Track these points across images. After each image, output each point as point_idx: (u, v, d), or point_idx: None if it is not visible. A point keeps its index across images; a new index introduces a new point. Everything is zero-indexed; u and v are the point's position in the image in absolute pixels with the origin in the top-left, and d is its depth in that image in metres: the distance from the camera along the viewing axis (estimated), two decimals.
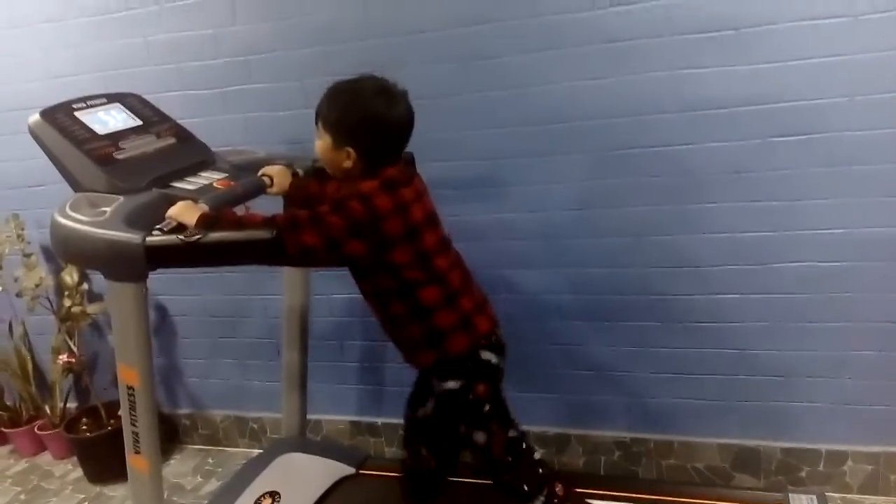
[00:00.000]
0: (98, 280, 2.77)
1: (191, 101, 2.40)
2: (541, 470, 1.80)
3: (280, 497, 2.10)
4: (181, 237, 1.49)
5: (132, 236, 1.50)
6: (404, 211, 1.60)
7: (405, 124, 1.67)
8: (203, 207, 1.63)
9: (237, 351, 2.75)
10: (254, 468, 2.24)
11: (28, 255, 2.71)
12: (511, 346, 2.33)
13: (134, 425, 1.65)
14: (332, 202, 1.59)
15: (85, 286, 2.68)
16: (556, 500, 1.77)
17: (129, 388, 1.62)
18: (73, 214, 1.57)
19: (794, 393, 2.14)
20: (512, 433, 1.78)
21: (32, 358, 2.99)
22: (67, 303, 2.63)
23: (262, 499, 2.09)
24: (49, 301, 2.75)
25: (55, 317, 2.78)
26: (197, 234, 1.49)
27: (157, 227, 1.56)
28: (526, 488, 1.77)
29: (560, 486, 1.80)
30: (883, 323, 2.01)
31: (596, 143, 2.09)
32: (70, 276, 2.60)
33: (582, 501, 1.92)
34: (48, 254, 2.84)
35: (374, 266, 1.64)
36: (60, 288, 2.73)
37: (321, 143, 1.67)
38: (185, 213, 1.59)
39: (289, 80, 2.33)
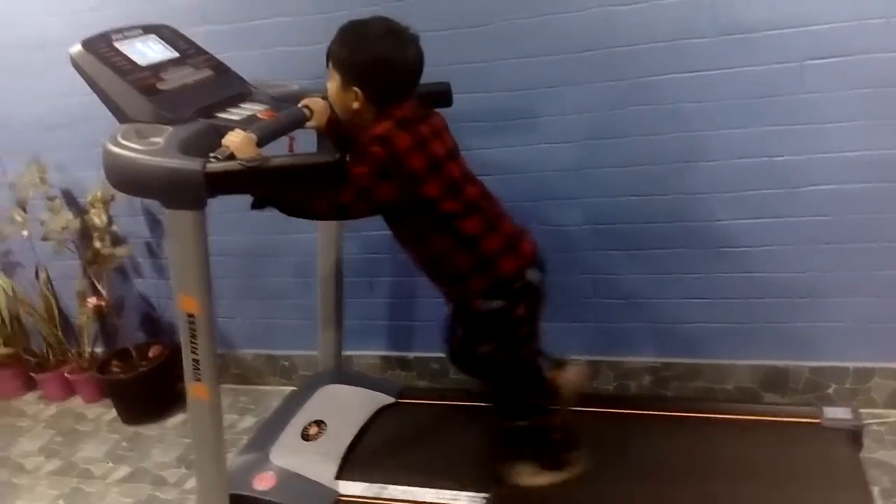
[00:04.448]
0: (124, 223, 2.76)
1: (213, 37, 2.36)
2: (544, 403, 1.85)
3: (326, 425, 2.14)
4: (242, 162, 1.49)
5: (192, 163, 1.50)
6: (424, 146, 1.63)
7: (413, 67, 1.69)
8: (253, 137, 1.63)
9: (266, 290, 2.77)
10: (296, 400, 2.28)
11: (52, 199, 2.70)
12: None
13: (194, 353, 1.66)
14: (355, 153, 1.61)
15: (115, 227, 2.67)
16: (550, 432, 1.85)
17: (190, 316, 1.64)
18: (128, 144, 1.57)
19: (820, 313, 2.20)
20: (531, 356, 1.84)
21: (57, 303, 2.99)
22: (97, 244, 2.62)
23: (309, 427, 2.13)
24: (75, 245, 2.75)
25: (81, 260, 2.79)
26: (257, 160, 1.50)
27: (213, 154, 1.56)
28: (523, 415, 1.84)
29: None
30: None
31: (628, 70, 2.09)
32: (99, 217, 2.60)
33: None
34: (69, 198, 2.83)
35: (408, 207, 1.66)
36: (85, 231, 2.72)
37: (331, 84, 1.71)
38: (238, 140, 1.59)
39: (311, 14, 2.30)
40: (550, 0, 2.08)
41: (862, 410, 2.06)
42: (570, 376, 1.92)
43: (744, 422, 2.01)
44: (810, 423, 1.95)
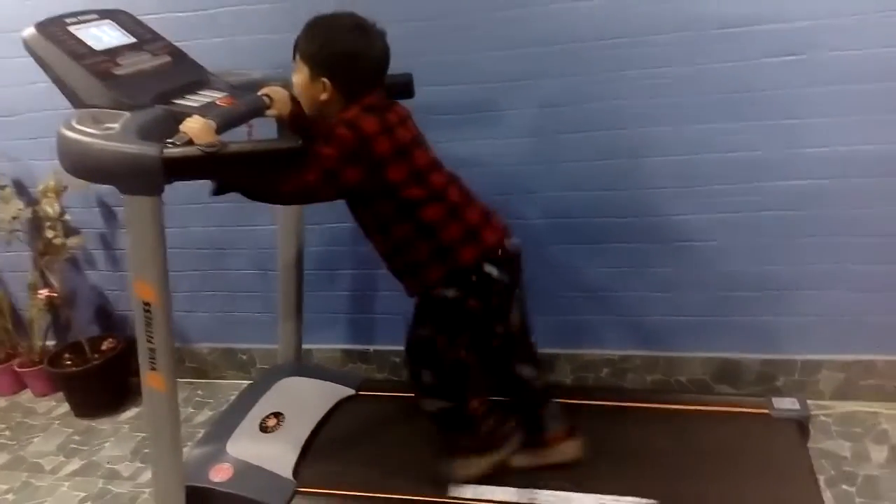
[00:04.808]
0: (77, 213, 2.70)
1: (173, 24, 2.33)
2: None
3: (284, 417, 2.13)
4: (200, 148, 1.48)
5: (149, 149, 1.48)
6: (390, 131, 1.66)
7: (380, 61, 1.73)
8: (212, 123, 1.62)
9: (224, 283, 2.74)
10: (255, 392, 2.26)
11: (2, 188, 2.63)
12: None
13: (150, 342, 1.64)
14: (321, 136, 1.62)
15: (68, 217, 2.61)
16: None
17: (146, 304, 1.61)
18: (84, 129, 1.54)
19: (772, 307, 2.26)
20: (464, 359, 1.82)
21: (6, 296, 2.91)
22: (50, 234, 2.56)
23: (267, 419, 2.12)
24: (26, 235, 2.68)
25: (32, 251, 2.72)
26: (215, 146, 1.48)
27: (170, 140, 1.54)
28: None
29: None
30: (861, 238, 2.12)
31: (594, 65, 2.11)
32: (51, 206, 2.53)
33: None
34: (20, 188, 2.76)
35: (373, 192, 1.67)
36: (36, 221, 2.66)
37: (298, 76, 1.72)
38: (197, 126, 1.57)
39: (273, 2, 2.28)
40: None
41: (810, 402, 2.13)
42: (566, 452, 1.91)
43: (695, 412, 2.06)
44: (759, 413, 2.01)
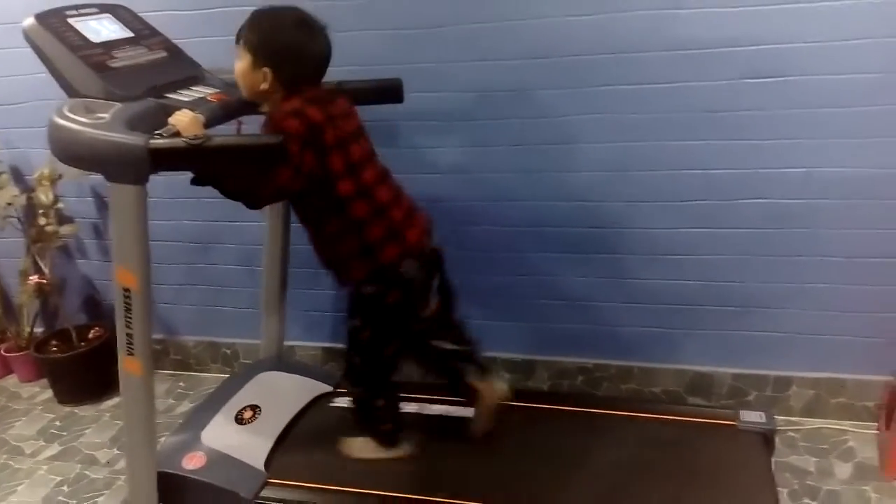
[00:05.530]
0: (71, 203, 2.75)
1: (172, 21, 2.38)
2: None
3: (261, 410, 2.16)
4: (186, 140, 1.52)
5: (136, 138, 1.53)
6: (333, 121, 1.72)
7: (323, 55, 1.78)
8: (200, 118, 1.67)
9: (210, 277, 2.78)
10: (233, 385, 2.30)
11: None
12: (486, 277, 2.47)
13: (129, 327, 1.68)
14: (268, 130, 1.66)
15: (61, 205, 2.66)
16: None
17: (126, 290, 1.66)
18: (74, 117, 1.59)
19: (747, 322, 2.30)
20: (389, 358, 1.94)
21: None
22: (42, 221, 2.60)
23: (244, 411, 2.15)
24: (20, 221, 2.72)
25: (25, 238, 2.76)
26: (200, 139, 1.53)
27: (157, 132, 1.59)
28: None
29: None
30: (836, 258, 2.16)
31: (578, 78, 2.16)
32: (45, 194, 2.58)
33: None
34: (17, 175, 2.80)
35: (312, 183, 1.70)
36: (31, 209, 2.70)
37: (240, 64, 1.76)
38: (185, 120, 1.62)
39: (274, 2, 2.32)
40: (509, 7, 2.14)
41: (779, 417, 2.17)
42: (490, 393, 2.03)
43: (663, 421, 2.09)
44: (726, 424, 2.04)
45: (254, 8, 2.28)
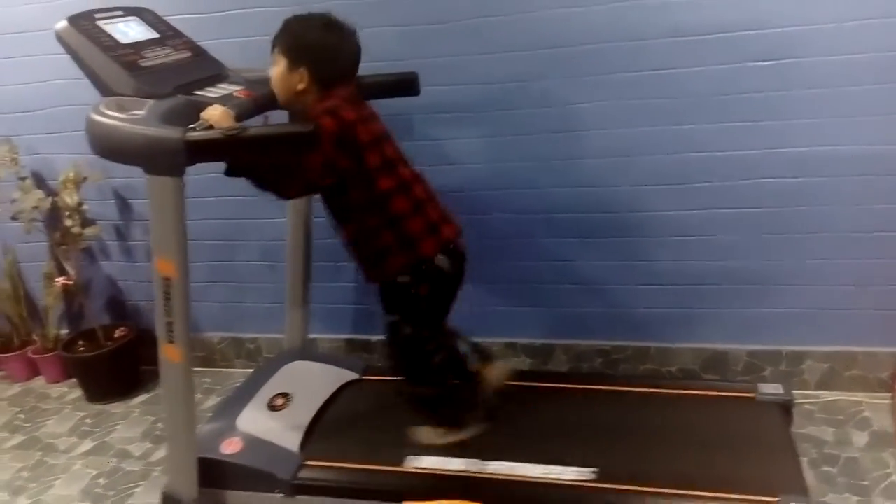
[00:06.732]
0: (94, 206, 2.81)
1: (191, 24, 2.45)
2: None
3: (291, 397, 2.22)
4: (222, 131, 1.59)
5: (173, 131, 1.59)
6: (365, 121, 1.81)
7: (354, 55, 1.89)
8: (231, 112, 1.74)
9: (233, 274, 2.84)
10: (262, 375, 2.36)
11: (23, 179, 2.74)
12: (502, 263, 2.53)
13: (168, 315, 1.74)
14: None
15: (85, 207, 2.72)
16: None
17: (166, 279, 1.72)
18: (112, 114, 1.65)
19: (759, 300, 2.36)
20: (433, 337, 1.98)
21: (23, 284, 3.02)
22: (68, 223, 2.67)
23: (275, 398, 2.21)
24: (45, 225, 2.79)
25: (50, 240, 2.83)
26: (235, 130, 1.59)
27: (191, 126, 1.66)
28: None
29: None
30: (847, 234, 2.22)
31: (587, 67, 2.23)
32: (70, 196, 2.64)
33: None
34: (40, 180, 2.87)
35: (351, 179, 1.78)
36: (55, 212, 2.77)
37: (276, 70, 1.86)
38: (217, 114, 1.69)
39: (287, 6, 2.39)
40: (516, 1, 2.21)
41: (795, 391, 2.22)
42: (493, 374, 2.11)
43: (684, 396, 2.16)
44: (745, 397, 2.10)
45: (263, 10, 2.37)
